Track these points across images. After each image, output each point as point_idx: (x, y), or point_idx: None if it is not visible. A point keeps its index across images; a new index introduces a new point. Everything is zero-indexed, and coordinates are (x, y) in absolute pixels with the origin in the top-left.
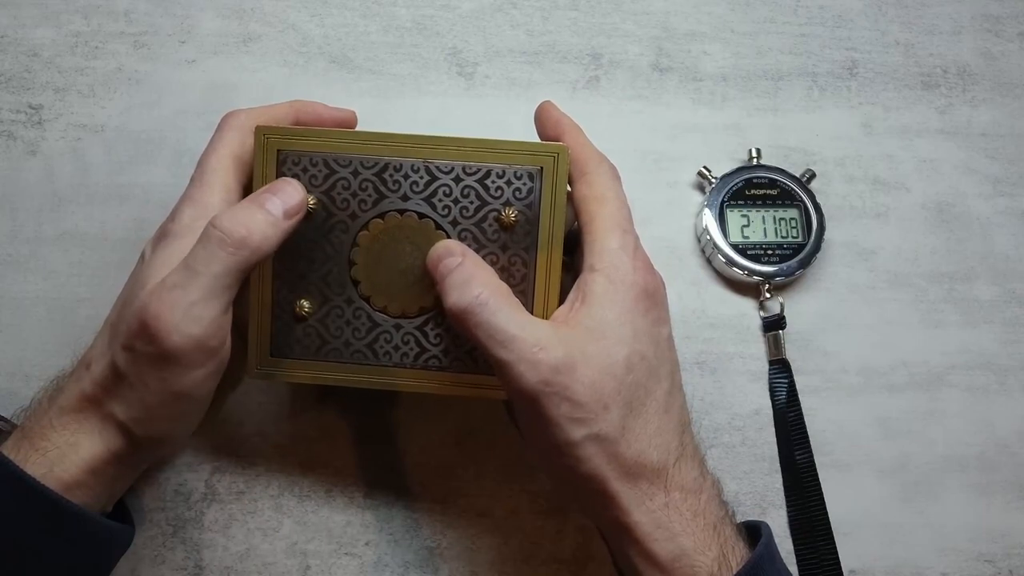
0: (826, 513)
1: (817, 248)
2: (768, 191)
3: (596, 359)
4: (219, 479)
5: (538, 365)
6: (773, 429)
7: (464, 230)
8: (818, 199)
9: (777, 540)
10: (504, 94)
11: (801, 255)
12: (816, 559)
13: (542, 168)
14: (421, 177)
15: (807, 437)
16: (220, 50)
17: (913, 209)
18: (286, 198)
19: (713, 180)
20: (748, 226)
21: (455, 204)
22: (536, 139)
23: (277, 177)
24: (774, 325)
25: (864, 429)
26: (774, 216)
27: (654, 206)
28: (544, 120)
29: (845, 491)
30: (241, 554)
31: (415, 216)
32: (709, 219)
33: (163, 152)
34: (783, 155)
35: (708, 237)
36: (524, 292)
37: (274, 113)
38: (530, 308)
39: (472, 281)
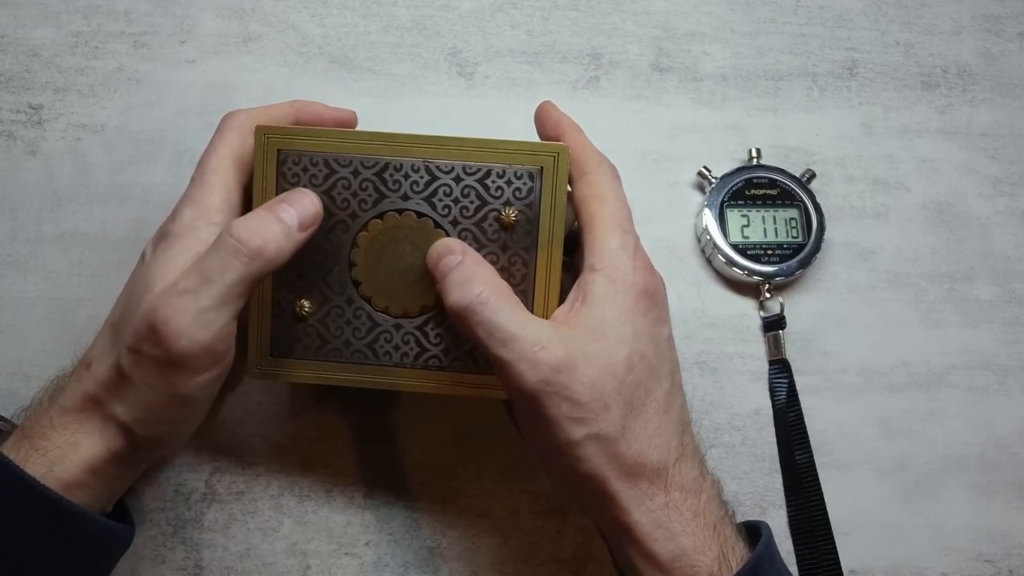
0: (826, 513)
1: (817, 248)
2: (768, 191)
3: (596, 359)
4: (219, 479)
5: (538, 364)
6: (773, 429)
7: (464, 230)
8: (818, 199)
9: (777, 540)
10: (504, 94)
11: (801, 255)
12: (816, 559)
13: (542, 168)
14: (421, 177)
15: (807, 437)
16: (220, 50)
17: (913, 209)
18: (302, 210)
19: (713, 180)
20: (748, 226)
21: (455, 204)
22: (536, 139)
23: (278, 177)
24: (774, 325)
25: (864, 429)
26: (774, 216)
27: (654, 206)
28: (544, 120)
29: (845, 491)
30: (241, 554)
31: (414, 215)
32: (709, 219)
33: (163, 152)
34: (783, 155)
35: (708, 237)
36: (524, 292)
37: (274, 113)
38: (530, 308)
39: (473, 280)
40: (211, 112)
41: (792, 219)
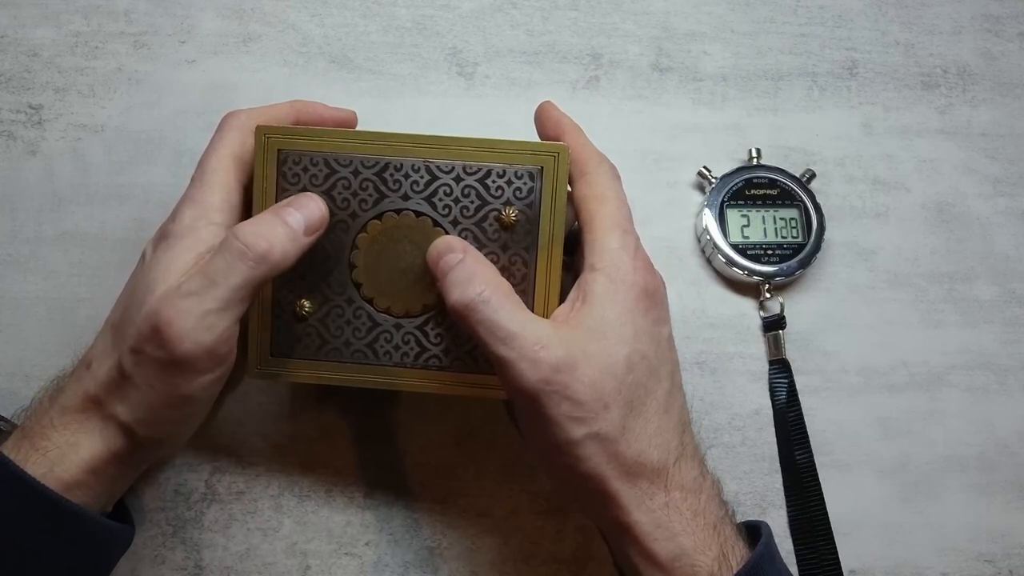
0: (826, 513)
1: (817, 248)
2: (768, 191)
3: (597, 358)
4: (219, 479)
5: (539, 363)
6: (773, 429)
7: (464, 229)
8: (818, 199)
9: (777, 540)
10: (504, 94)
11: (801, 255)
12: (816, 559)
13: (542, 168)
14: (421, 177)
15: (807, 437)
16: (220, 50)
17: (913, 209)
18: (308, 214)
19: (713, 180)
20: (748, 226)
21: (455, 204)
22: (536, 139)
23: (278, 177)
24: (774, 325)
25: (864, 429)
26: (774, 216)
27: (654, 206)
28: (544, 120)
29: (845, 491)
30: (241, 554)
31: (412, 215)
32: (709, 219)
33: (163, 152)
34: (783, 155)
35: (708, 237)
36: (524, 292)
37: (274, 113)
38: (531, 307)
39: (474, 278)
40: (211, 112)
41: (792, 219)
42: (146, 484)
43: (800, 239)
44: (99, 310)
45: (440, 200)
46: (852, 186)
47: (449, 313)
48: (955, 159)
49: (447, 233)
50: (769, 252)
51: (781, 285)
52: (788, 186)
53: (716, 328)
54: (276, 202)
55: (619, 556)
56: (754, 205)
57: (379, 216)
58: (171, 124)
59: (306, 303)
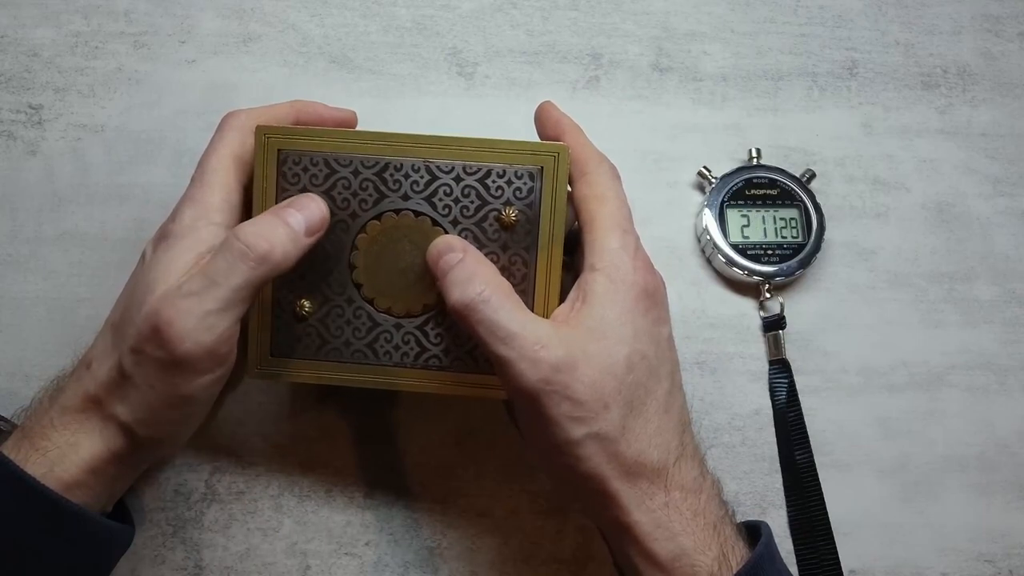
0: (826, 513)
1: (817, 248)
2: (768, 191)
3: (597, 358)
4: (219, 479)
5: (539, 363)
6: (773, 429)
7: (464, 229)
8: (818, 199)
9: (777, 540)
10: (504, 94)
11: (801, 255)
12: (816, 559)
13: (542, 168)
14: (422, 177)
15: (807, 437)
16: (220, 50)
17: (913, 209)
18: (309, 215)
19: (713, 180)
20: (748, 226)
21: (455, 204)
22: (536, 139)
23: (278, 177)
24: (774, 325)
25: (864, 429)
26: (774, 216)
27: (654, 206)
28: (544, 120)
29: (845, 491)
30: (241, 554)
31: (412, 215)
32: (709, 219)
33: (163, 152)
34: (783, 155)
35: (708, 237)
36: (524, 292)
37: (274, 113)
38: (531, 307)
39: (474, 278)
40: (211, 112)
41: (792, 219)
42: (146, 484)
43: (800, 239)
44: (99, 310)
45: (440, 200)
46: (852, 186)
47: (449, 313)
48: (955, 159)
49: (447, 233)
50: (769, 252)
51: (781, 285)
52: (788, 186)
53: (716, 328)
54: (276, 202)
55: (619, 556)
56: (754, 205)
57: (379, 216)
58: (171, 124)
59: (306, 303)
